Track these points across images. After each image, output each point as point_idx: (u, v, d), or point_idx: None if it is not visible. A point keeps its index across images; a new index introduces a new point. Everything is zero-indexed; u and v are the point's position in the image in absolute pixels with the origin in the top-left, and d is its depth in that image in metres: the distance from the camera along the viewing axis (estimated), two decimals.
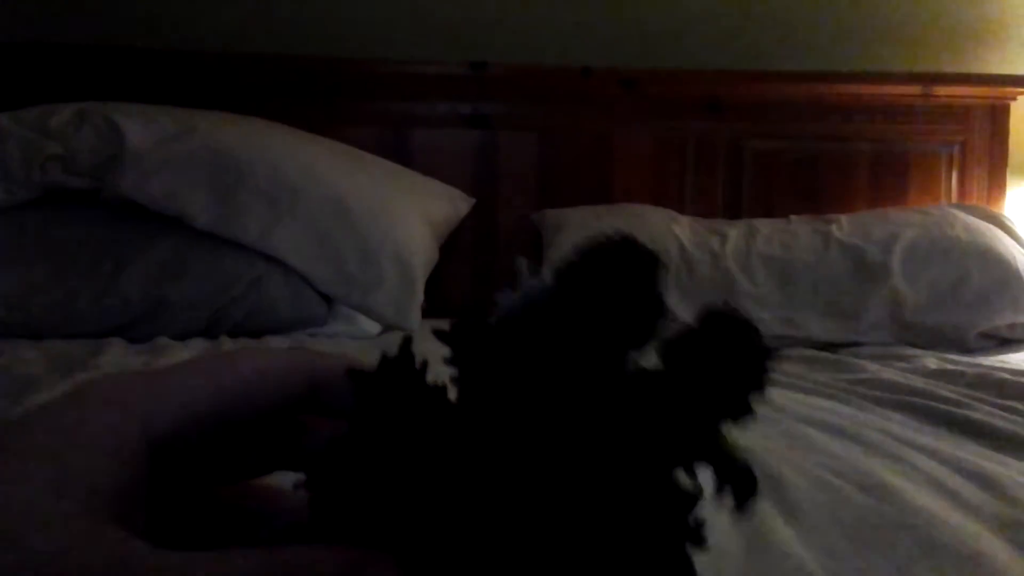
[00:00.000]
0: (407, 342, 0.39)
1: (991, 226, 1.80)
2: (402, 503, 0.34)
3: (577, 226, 1.80)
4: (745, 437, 0.72)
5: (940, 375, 1.30)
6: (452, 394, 0.38)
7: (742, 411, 0.39)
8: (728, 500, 0.42)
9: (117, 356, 1.23)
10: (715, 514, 0.43)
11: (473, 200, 1.91)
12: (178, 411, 0.27)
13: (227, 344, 1.37)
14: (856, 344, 1.59)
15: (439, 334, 0.39)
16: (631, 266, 0.40)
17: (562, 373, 0.38)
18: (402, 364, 0.39)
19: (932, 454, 0.88)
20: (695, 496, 0.40)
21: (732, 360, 0.39)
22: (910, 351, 1.52)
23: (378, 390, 0.37)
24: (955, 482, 0.79)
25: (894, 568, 0.61)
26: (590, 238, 0.43)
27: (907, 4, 2.14)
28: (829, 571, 0.60)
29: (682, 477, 0.41)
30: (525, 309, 0.41)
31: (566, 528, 0.38)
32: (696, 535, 0.39)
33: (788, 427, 0.97)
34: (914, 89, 2.08)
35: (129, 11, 1.91)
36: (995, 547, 0.64)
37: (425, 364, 0.39)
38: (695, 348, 0.37)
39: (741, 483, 0.41)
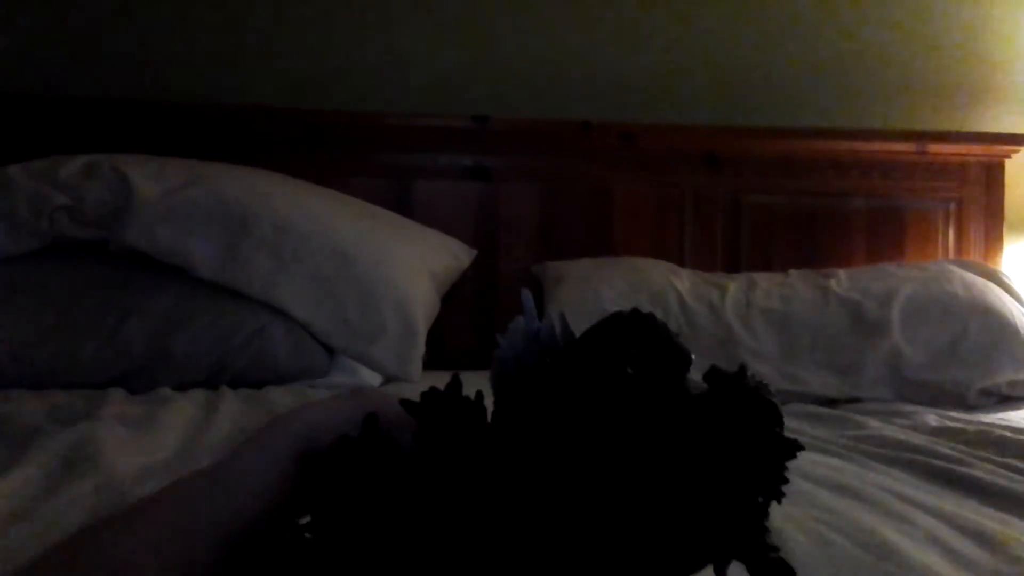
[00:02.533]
0: (456, 379, 0.39)
1: (989, 282, 1.81)
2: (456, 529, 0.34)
3: (577, 278, 1.81)
4: None
5: (941, 432, 1.30)
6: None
7: (776, 490, 0.38)
8: None
9: (119, 407, 1.23)
10: None
11: (475, 252, 1.92)
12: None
13: (227, 395, 1.37)
14: (856, 400, 1.59)
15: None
16: (647, 328, 0.39)
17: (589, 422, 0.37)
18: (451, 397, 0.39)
19: (932, 512, 0.88)
20: None
21: (761, 438, 0.38)
22: (910, 408, 1.52)
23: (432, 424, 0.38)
24: (955, 540, 0.79)
25: None
26: (608, 313, 0.40)
27: (903, 63, 2.19)
28: None
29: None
30: (528, 352, 0.40)
31: None
32: None
33: (792, 485, 0.96)
34: (909, 147, 2.11)
35: (138, 64, 1.95)
36: None
37: (480, 395, 0.39)
38: (721, 424, 0.36)
39: None
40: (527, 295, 0.44)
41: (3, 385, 1.31)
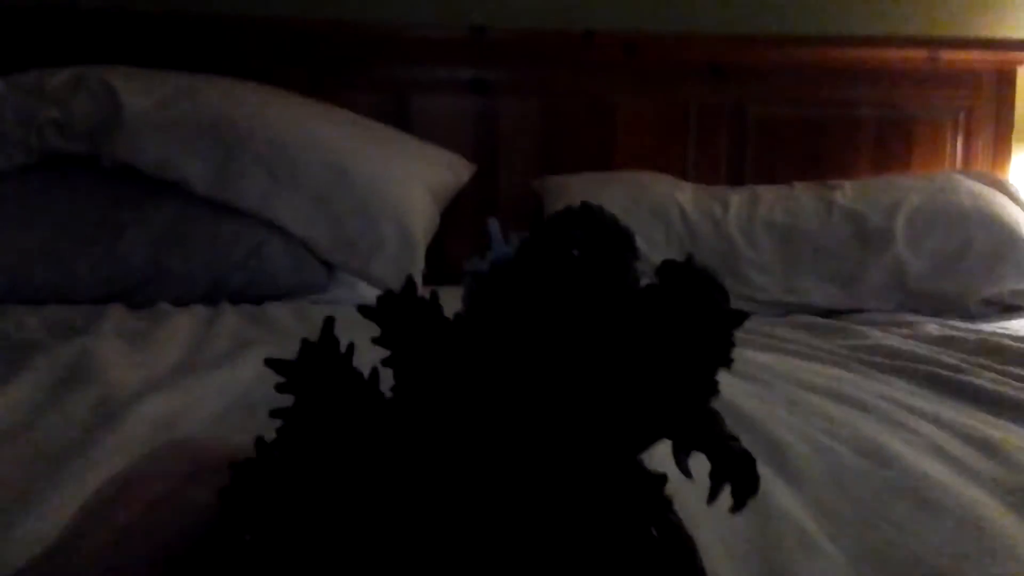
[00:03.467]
0: (329, 324, 0.38)
1: (996, 192, 1.79)
2: (334, 503, 0.34)
3: (578, 193, 1.78)
4: (746, 402, 0.72)
5: (942, 341, 1.30)
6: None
7: (725, 357, 0.38)
8: (725, 494, 0.41)
9: (118, 322, 1.23)
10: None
11: (474, 166, 1.89)
12: None
13: (227, 310, 1.37)
14: (858, 311, 1.59)
15: (364, 311, 0.39)
16: (595, 236, 0.39)
17: (521, 347, 0.37)
18: (326, 351, 0.38)
19: (933, 420, 0.88)
20: (661, 478, 0.39)
21: (702, 330, 0.38)
22: (912, 317, 1.52)
23: (301, 382, 0.37)
24: (956, 448, 0.79)
25: (894, 530, 0.61)
26: (556, 211, 0.42)
27: None
28: (829, 534, 0.60)
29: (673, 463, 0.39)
30: (492, 279, 0.40)
31: (522, 519, 0.37)
32: (663, 517, 0.38)
33: (789, 392, 0.97)
34: (920, 53, 2.06)
35: None
36: (996, 511, 0.64)
37: (351, 348, 0.38)
38: (661, 315, 0.36)
39: (740, 479, 0.40)
40: (493, 225, 0.44)
41: (1, 301, 1.31)
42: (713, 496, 0.41)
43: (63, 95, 1.47)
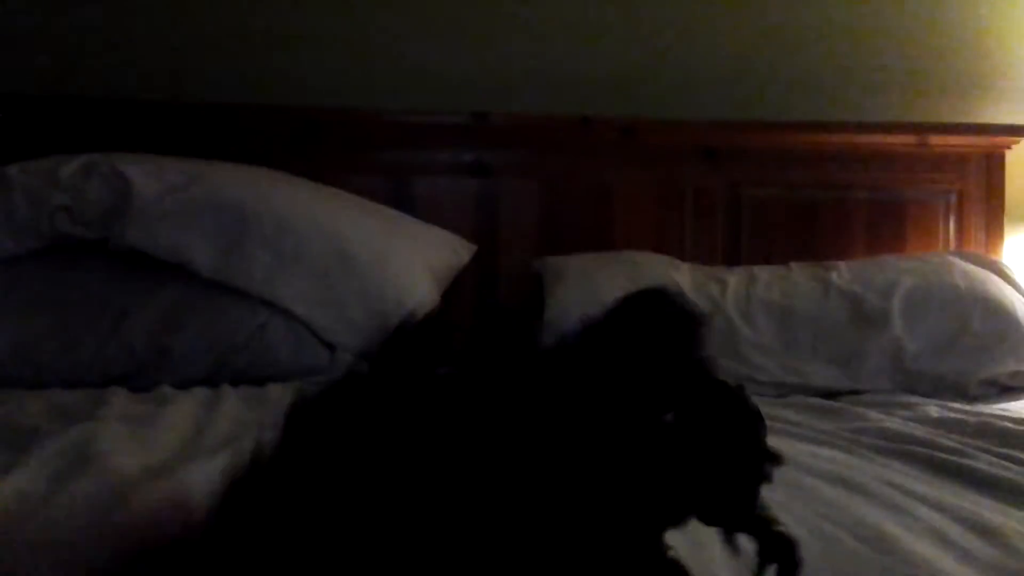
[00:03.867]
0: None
1: (990, 274, 1.81)
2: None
3: (578, 274, 1.80)
4: None
5: (942, 424, 1.30)
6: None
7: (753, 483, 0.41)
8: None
9: (120, 406, 1.23)
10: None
11: (474, 247, 1.92)
12: None
13: (228, 393, 1.37)
14: (857, 392, 1.59)
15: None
16: (664, 323, 0.41)
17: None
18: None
19: (933, 504, 0.88)
20: (682, 568, 0.42)
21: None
22: (912, 399, 1.51)
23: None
24: (956, 532, 0.79)
25: None
26: (627, 292, 0.43)
27: (903, 55, 2.18)
28: None
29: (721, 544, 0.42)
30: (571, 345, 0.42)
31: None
32: None
33: (788, 476, 0.96)
34: (910, 139, 2.11)
35: (136, 64, 1.95)
36: None
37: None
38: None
39: (784, 560, 0.42)
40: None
41: (4, 385, 1.31)
42: (759, 573, 0.43)
43: (75, 181, 1.50)
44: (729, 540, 0.44)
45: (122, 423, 1.12)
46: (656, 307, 0.40)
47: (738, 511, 0.42)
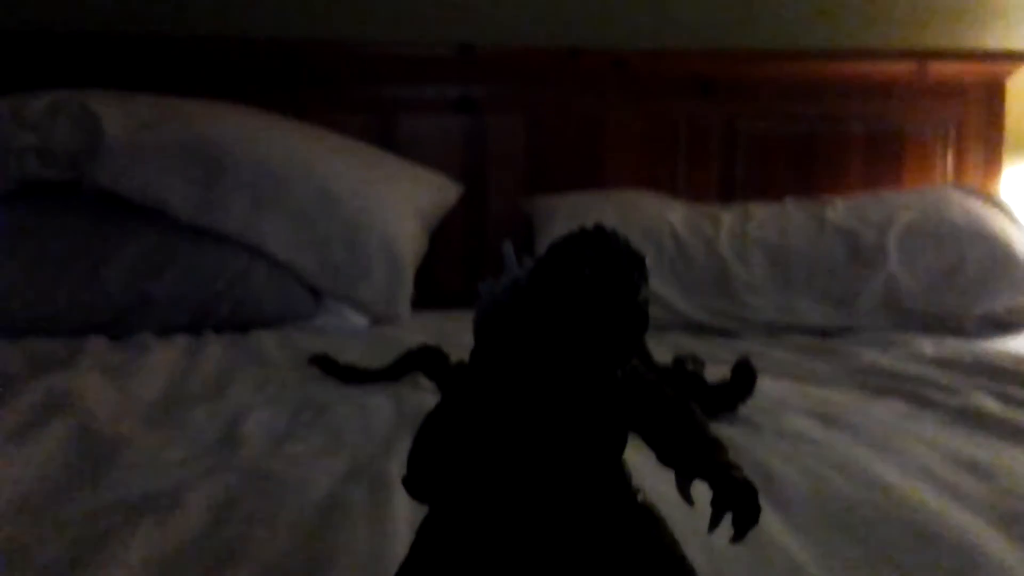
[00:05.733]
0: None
1: (988, 207, 1.78)
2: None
3: (568, 213, 1.77)
4: (733, 429, 0.71)
5: (937, 361, 1.28)
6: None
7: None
8: (727, 522, 0.41)
9: (98, 354, 1.21)
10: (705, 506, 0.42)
11: (462, 187, 1.87)
12: None
13: (211, 339, 1.35)
14: (852, 330, 1.57)
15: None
16: (611, 265, 0.40)
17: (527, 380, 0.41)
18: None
19: (926, 443, 0.86)
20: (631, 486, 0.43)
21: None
22: (907, 336, 1.50)
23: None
24: (946, 470, 0.77)
25: (887, 561, 0.59)
26: (570, 231, 0.44)
27: None
28: (821, 565, 0.59)
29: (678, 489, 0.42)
30: (506, 301, 0.43)
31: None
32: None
33: (780, 417, 0.95)
34: (908, 66, 2.05)
35: None
36: (991, 539, 0.62)
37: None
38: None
39: (741, 508, 0.41)
40: (508, 248, 0.47)
41: None
42: (714, 524, 0.42)
43: (42, 121, 1.45)
44: (684, 489, 0.43)
45: (101, 371, 1.10)
46: (594, 248, 0.39)
47: (690, 449, 0.43)
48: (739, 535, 0.42)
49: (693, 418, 0.44)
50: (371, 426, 0.92)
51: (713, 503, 0.42)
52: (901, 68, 2.05)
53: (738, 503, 0.41)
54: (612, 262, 0.39)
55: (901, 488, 0.72)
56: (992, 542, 0.62)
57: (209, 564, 0.58)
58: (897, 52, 2.07)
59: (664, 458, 0.44)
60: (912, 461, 0.80)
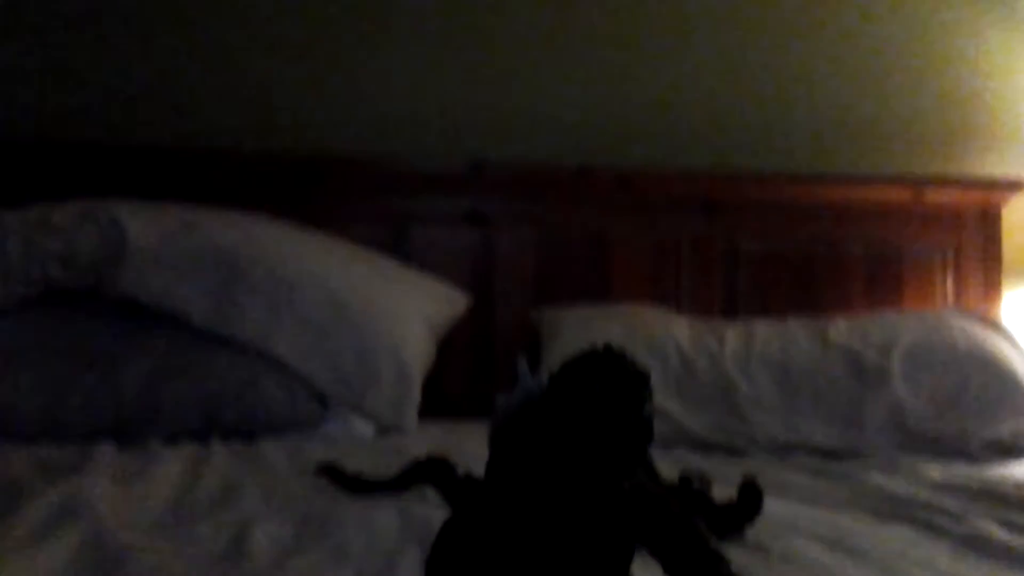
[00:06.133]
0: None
1: (989, 332, 1.80)
2: None
3: (575, 326, 1.79)
4: (737, 554, 0.72)
5: (944, 487, 1.28)
6: None
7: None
8: None
9: (107, 462, 1.21)
10: None
11: (470, 298, 1.91)
12: None
13: (217, 450, 1.35)
14: (859, 451, 1.56)
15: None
16: (619, 383, 0.44)
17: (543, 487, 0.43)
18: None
19: (931, 569, 0.86)
20: None
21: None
22: (914, 460, 1.49)
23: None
24: None
25: None
26: (582, 350, 0.47)
27: (898, 108, 2.19)
28: None
29: None
30: (520, 415, 0.45)
31: None
32: None
33: (788, 541, 0.95)
34: (904, 192, 2.12)
35: (132, 109, 1.95)
36: None
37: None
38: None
39: None
40: (522, 364, 0.51)
41: None
42: None
43: (69, 228, 1.49)
44: None
45: (110, 480, 1.10)
46: (604, 367, 0.43)
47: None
48: None
49: (696, 531, 0.46)
50: (376, 540, 0.91)
51: None
52: (897, 193, 2.12)
53: None
54: (621, 380, 0.43)
55: None
56: None
57: None
58: (893, 178, 2.14)
59: (669, 570, 0.45)
60: None
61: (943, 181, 2.14)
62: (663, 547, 0.45)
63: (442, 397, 1.79)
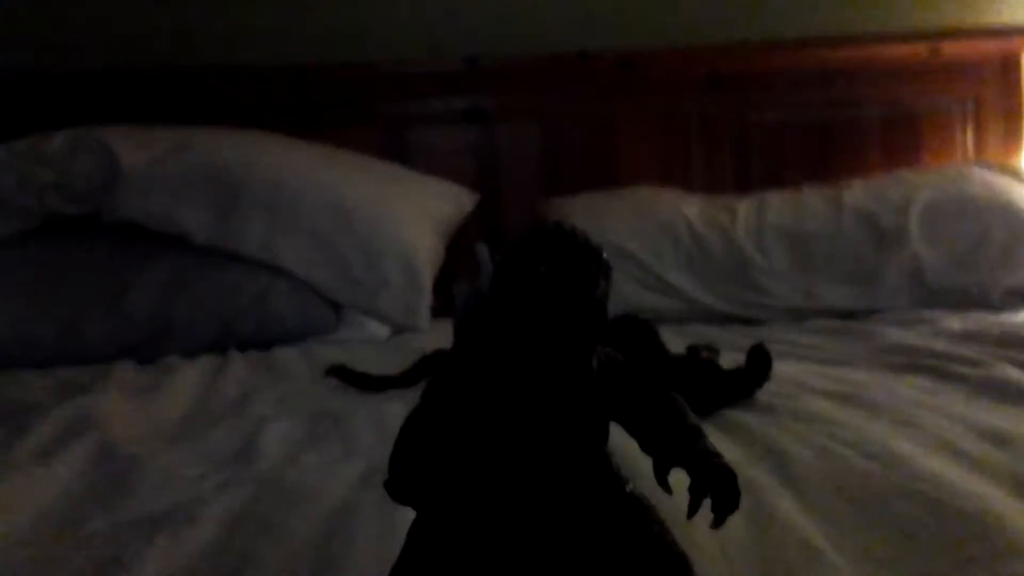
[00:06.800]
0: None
1: (1011, 181, 1.75)
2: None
3: (584, 214, 1.76)
4: (747, 416, 0.71)
5: (964, 336, 1.27)
6: None
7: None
8: (706, 510, 0.41)
9: (124, 379, 1.23)
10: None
11: (477, 196, 1.88)
12: None
13: (235, 359, 1.37)
14: (877, 311, 1.55)
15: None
16: (565, 262, 0.42)
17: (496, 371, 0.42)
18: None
19: (947, 416, 0.85)
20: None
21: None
22: (933, 314, 1.47)
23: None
24: (967, 442, 0.76)
25: (902, 536, 0.58)
26: (529, 228, 0.45)
27: None
28: (832, 541, 0.58)
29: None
30: (478, 302, 0.44)
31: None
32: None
33: (797, 400, 0.94)
34: (921, 48, 2.02)
35: (114, 31, 1.90)
36: (1006, 507, 0.61)
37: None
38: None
39: (720, 494, 0.41)
40: (482, 249, 0.49)
41: (9, 366, 1.31)
42: (692, 511, 0.43)
43: (61, 158, 1.49)
44: (662, 477, 0.43)
45: (125, 393, 1.12)
46: (549, 246, 0.42)
47: (667, 439, 0.44)
48: (719, 521, 0.42)
49: (673, 406, 0.44)
50: (387, 432, 0.92)
51: (691, 490, 0.42)
52: (913, 50, 2.03)
53: (717, 489, 0.41)
54: (568, 259, 0.41)
55: (919, 462, 0.70)
56: (1012, 512, 0.60)
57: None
58: (907, 34, 2.04)
59: (644, 446, 0.44)
60: (932, 435, 0.79)
61: (960, 33, 2.04)
62: (638, 423, 0.44)
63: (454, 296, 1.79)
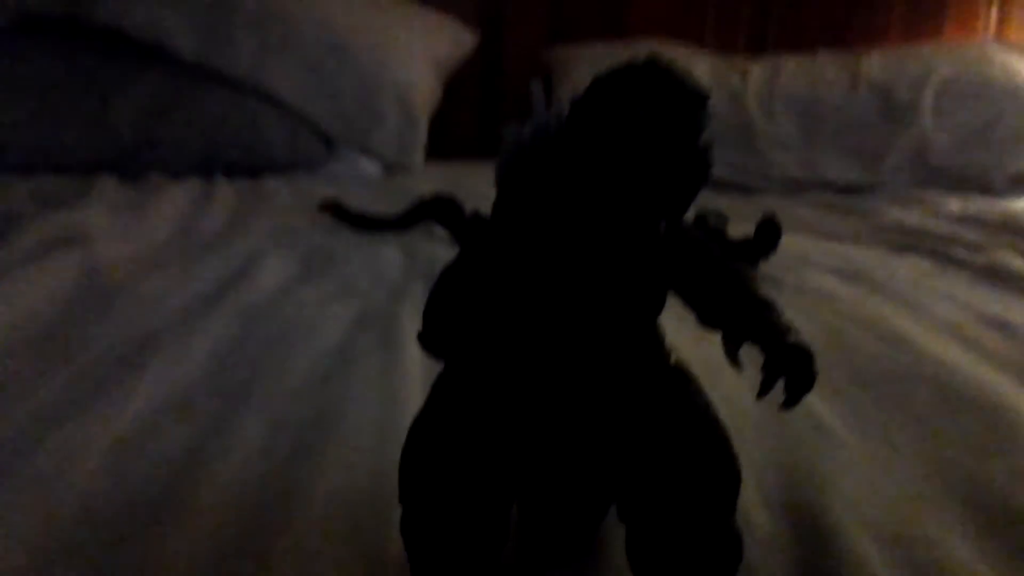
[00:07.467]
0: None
1: None
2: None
3: (589, 64, 1.69)
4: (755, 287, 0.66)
5: (962, 218, 1.25)
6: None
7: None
8: (777, 390, 0.37)
9: (107, 193, 1.19)
10: (727, 370, 0.39)
11: (478, 34, 1.79)
12: None
13: (222, 184, 1.32)
14: (876, 187, 1.52)
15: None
16: (665, 103, 0.34)
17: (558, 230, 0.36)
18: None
19: (951, 301, 0.84)
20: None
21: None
22: (933, 194, 1.45)
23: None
24: (974, 329, 0.75)
25: (914, 421, 0.58)
26: (617, 64, 0.37)
27: None
28: (845, 422, 0.57)
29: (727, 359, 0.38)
30: (534, 147, 0.37)
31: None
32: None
33: (802, 274, 0.93)
34: None
35: None
36: (1017, 398, 0.61)
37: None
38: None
39: (795, 373, 0.36)
40: (536, 88, 0.39)
41: None
42: (765, 390, 0.37)
43: None
44: (732, 353, 0.38)
45: (110, 209, 1.08)
46: (647, 82, 0.33)
47: (740, 311, 0.38)
48: (791, 402, 0.37)
49: (743, 277, 0.39)
50: (382, 274, 0.90)
51: (765, 368, 0.37)
52: None
53: (793, 369, 0.36)
54: (671, 99, 0.33)
55: (925, 345, 0.70)
56: (1018, 400, 0.60)
57: (216, 409, 0.57)
58: None
59: (708, 320, 0.39)
60: (936, 318, 0.78)
61: None
62: (704, 294, 0.38)
63: (450, 137, 1.74)
